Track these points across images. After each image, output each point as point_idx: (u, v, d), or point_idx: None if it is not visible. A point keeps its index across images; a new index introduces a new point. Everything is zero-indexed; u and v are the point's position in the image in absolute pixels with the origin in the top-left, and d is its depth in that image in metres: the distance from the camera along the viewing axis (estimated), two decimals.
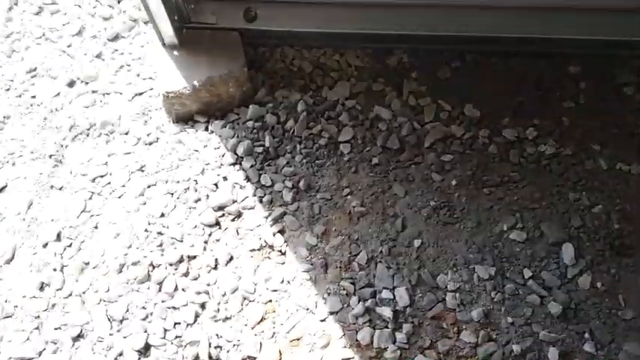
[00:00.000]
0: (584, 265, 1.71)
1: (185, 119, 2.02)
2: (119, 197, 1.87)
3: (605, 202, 1.81)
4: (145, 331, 1.68)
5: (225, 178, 1.91)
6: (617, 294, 1.69)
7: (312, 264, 1.78)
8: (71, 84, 2.08)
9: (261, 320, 1.71)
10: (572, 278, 1.70)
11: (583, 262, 1.72)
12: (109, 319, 1.69)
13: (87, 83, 2.09)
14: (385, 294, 1.71)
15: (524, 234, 1.76)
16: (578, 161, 1.89)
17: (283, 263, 1.80)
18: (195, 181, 1.89)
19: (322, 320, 1.70)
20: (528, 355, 1.60)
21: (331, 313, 1.71)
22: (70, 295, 1.73)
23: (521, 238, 1.76)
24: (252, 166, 1.93)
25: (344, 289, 1.73)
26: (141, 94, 2.08)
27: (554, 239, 1.74)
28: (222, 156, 1.94)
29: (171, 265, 1.77)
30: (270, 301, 1.74)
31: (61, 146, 1.97)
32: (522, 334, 1.64)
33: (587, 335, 1.64)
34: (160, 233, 1.81)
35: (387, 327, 1.67)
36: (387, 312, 1.68)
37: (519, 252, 1.75)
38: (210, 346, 1.66)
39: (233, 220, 1.86)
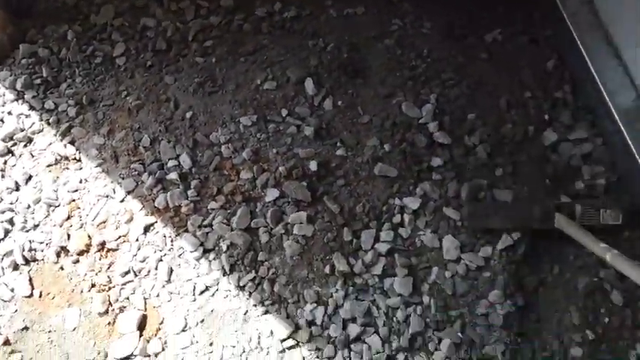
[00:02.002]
0: (325, 92, 2.05)
1: None
2: None
3: (337, 41, 2.16)
4: None
5: (9, 113, 2.07)
6: (355, 106, 2.04)
7: (103, 159, 1.99)
8: None
9: (68, 218, 1.91)
10: (319, 105, 2.04)
11: (324, 90, 2.05)
12: None
13: None
14: (171, 163, 1.96)
15: (274, 82, 2.07)
16: (314, 17, 2.23)
17: (81, 168, 2.00)
18: None
19: (122, 201, 1.93)
20: (294, 171, 1.91)
21: (128, 193, 1.94)
22: None
23: (273, 86, 2.07)
24: (34, 97, 2.09)
25: (135, 171, 1.96)
26: None
27: (296, 78, 2.06)
28: (3, 95, 2.09)
29: None
30: (73, 200, 1.94)
31: None
32: (287, 158, 1.96)
33: (338, 144, 1.97)
34: None
35: (177, 188, 1.93)
36: (174, 176, 1.93)
37: (274, 98, 2.06)
38: (23, 250, 1.84)
39: (25, 145, 2.02)
